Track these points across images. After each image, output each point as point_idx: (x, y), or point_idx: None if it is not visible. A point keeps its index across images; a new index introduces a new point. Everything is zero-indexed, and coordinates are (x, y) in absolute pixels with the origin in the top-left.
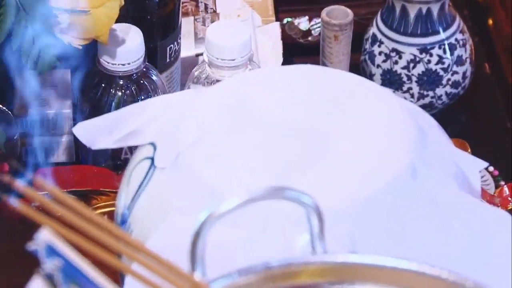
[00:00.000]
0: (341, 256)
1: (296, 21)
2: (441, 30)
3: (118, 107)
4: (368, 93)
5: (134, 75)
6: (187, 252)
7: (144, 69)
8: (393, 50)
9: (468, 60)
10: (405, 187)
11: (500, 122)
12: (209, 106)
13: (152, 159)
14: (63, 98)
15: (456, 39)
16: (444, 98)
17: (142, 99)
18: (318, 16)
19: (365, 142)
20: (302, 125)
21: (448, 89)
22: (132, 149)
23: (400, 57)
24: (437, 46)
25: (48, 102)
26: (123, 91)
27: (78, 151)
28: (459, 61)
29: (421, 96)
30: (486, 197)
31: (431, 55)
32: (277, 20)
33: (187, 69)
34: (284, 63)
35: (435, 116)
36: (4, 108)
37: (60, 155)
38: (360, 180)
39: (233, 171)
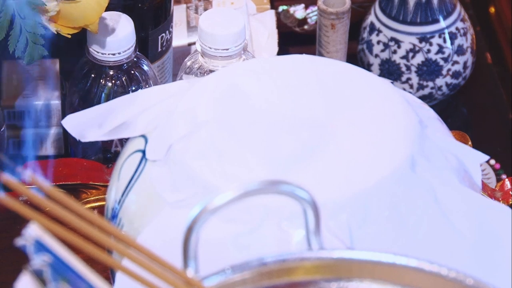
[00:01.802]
0: (337, 252)
1: (291, 9)
2: (441, 19)
3: (108, 98)
4: (366, 84)
5: (125, 65)
6: (179, 247)
7: (135, 59)
8: (392, 39)
9: (469, 50)
10: (404, 180)
11: (502, 114)
12: (202, 97)
13: (144, 151)
14: (52, 89)
15: (456, 28)
16: (444, 89)
17: (133, 90)
18: (315, 4)
19: (363, 134)
20: (298, 117)
21: (448, 79)
22: (122, 142)
23: (399, 47)
24: (437, 35)
25: (36, 93)
26: (113, 81)
27: (67, 143)
28: (460, 51)
29: (421, 87)
30: (487, 190)
31: (431, 44)
32: (272, 8)
33: (179, 59)
34: (279, 53)
35: (435, 107)
36: None
37: (48, 148)
38: (358, 173)
39: (227, 164)
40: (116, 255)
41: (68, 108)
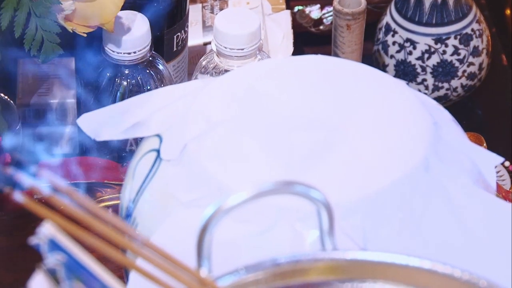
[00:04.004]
0: (351, 253)
1: (307, 9)
2: (457, 20)
3: (123, 97)
4: (381, 85)
5: (140, 64)
6: (193, 247)
7: (150, 58)
8: (407, 40)
9: (484, 51)
10: (418, 182)
11: None
12: (217, 97)
13: (158, 151)
14: (67, 88)
15: (472, 29)
16: (459, 90)
17: (148, 90)
18: (330, 4)
19: (377, 135)
20: (312, 118)
21: (463, 81)
22: (137, 141)
23: (414, 48)
24: (452, 36)
25: (51, 92)
26: (128, 80)
27: (82, 142)
28: (475, 52)
29: (436, 88)
30: (502, 192)
31: (446, 45)
32: (287, 8)
33: (194, 59)
34: (294, 53)
35: (450, 109)
36: (6, 97)
37: (63, 147)
38: (372, 174)
39: (241, 165)
40: (130, 254)
41: (83, 107)
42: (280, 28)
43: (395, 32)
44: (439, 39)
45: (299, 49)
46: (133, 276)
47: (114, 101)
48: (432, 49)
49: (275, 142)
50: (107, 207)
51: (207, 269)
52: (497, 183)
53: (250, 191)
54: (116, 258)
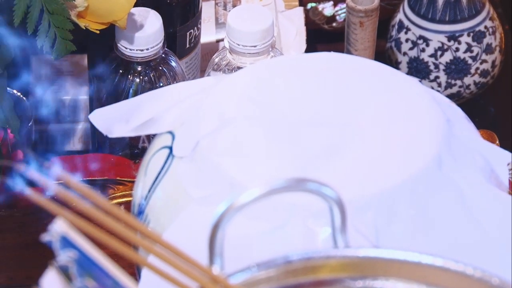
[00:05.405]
0: (363, 251)
1: (320, 6)
2: (470, 17)
3: (136, 94)
4: (394, 82)
5: (153, 61)
6: (205, 244)
7: (163, 55)
8: (420, 37)
9: (497, 48)
10: (431, 179)
11: None
12: (229, 94)
13: (171, 148)
14: (80, 84)
15: (485, 27)
16: (472, 87)
17: (160, 86)
18: (343, 1)
19: (390, 132)
20: (325, 115)
21: (476, 78)
22: (150, 138)
23: (427, 45)
24: (465, 33)
25: (64, 88)
26: (141, 77)
27: (95, 139)
28: (488, 49)
29: (449, 85)
30: None
31: (459, 42)
32: (300, 5)
33: (207, 55)
34: (307, 50)
35: (463, 106)
36: (19, 94)
37: (75, 143)
38: (384, 171)
39: (254, 162)
40: (142, 252)
41: (95, 103)
42: (293, 25)
43: (408, 29)
44: (452, 36)
45: (312, 46)
46: (145, 273)
47: (126, 98)
48: (445, 46)
49: (288, 139)
50: (119, 204)
51: (219, 266)
52: (510, 180)
53: (262, 188)
54: (128, 255)
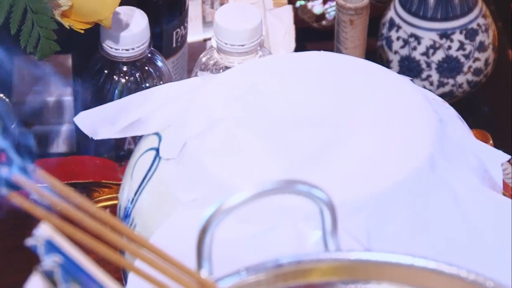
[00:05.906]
0: (355, 254)
1: (309, 4)
2: (462, 15)
3: (121, 95)
4: (385, 81)
5: (139, 61)
6: (193, 248)
7: (149, 55)
8: (412, 35)
9: (490, 46)
10: (423, 180)
11: None
12: (217, 94)
13: (157, 149)
14: (64, 85)
15: (478, 24)
16: (465, 86)
17: (147, 87)
18: None
19: (382, 132)
20: (315, 115)
21: (469, 76)
22: (136, 139)
23: (419, 43)
24: (458, 31)
25: (48, 89)
26: (126, 78)
27: (79, 141)
28: (481, 47)
29: (441, 84)
30: (508, 191)
31: (451, 40)
32: (289, 3)
33: (194, 55)
34: (296, 49)
35: (456, 105)
36: (1, 95)
37: (60, 145)
38: (376, 172)
39: (242, 163)
40: (129, 256)
41: (80, 104)
42: (282, 24)
43: (399, 27)
44: (444, 34)
45: (301, 45)
46: (131, 278)
47: (112, 99)
48: (437, 45)
49: (277, 140)
50: (105, 207)
51: (207, 271)
52: (503, 181)
53: (251, 190)
54: (114, 259)
